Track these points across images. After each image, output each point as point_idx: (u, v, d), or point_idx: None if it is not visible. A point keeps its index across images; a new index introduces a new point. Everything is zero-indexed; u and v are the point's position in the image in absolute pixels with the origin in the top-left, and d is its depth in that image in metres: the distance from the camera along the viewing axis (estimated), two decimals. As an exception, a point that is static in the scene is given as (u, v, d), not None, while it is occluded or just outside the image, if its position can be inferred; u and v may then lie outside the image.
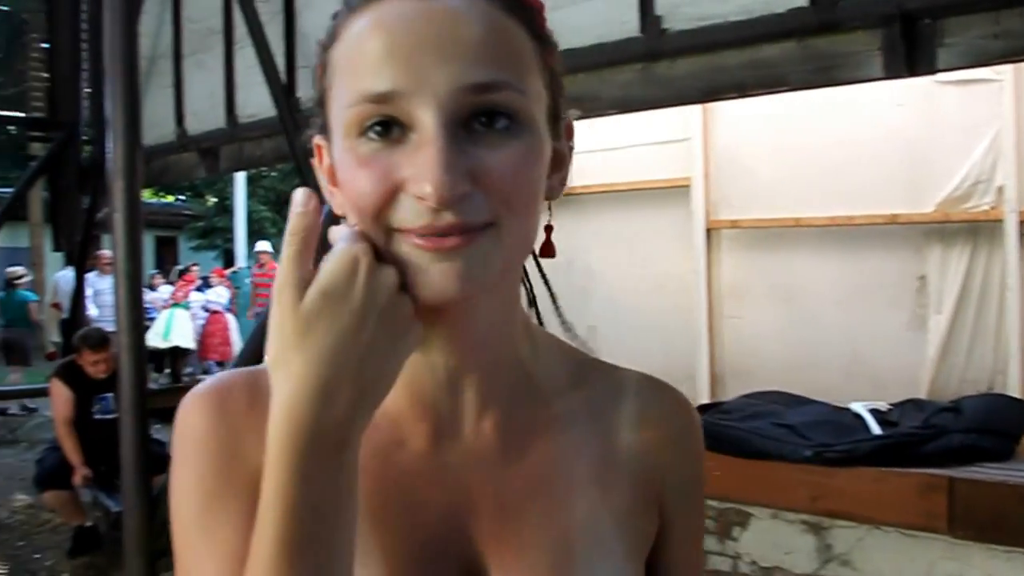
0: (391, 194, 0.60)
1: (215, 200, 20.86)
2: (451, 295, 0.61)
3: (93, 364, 5.10)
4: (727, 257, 5.15)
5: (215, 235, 19.89)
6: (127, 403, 3.09)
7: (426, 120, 0.59)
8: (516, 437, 0.71)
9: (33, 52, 6.75)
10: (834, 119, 4.66)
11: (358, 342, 0.58)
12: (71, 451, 5.05)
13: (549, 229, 0.72)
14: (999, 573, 3.41)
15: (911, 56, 3.36)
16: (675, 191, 5.20)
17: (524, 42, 0.64)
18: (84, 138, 6.65)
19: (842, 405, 4.12)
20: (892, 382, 4.43)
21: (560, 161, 0.70)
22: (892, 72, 3.46)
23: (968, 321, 4.44)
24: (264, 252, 10.82)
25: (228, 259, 16.86)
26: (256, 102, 5.25)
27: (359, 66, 0.61)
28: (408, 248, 0.61)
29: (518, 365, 0.74)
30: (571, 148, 0.73)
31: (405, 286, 0.61)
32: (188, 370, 11.17)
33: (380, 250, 0.61)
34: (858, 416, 3.96)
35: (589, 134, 5.19)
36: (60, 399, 5.16)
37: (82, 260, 6.54)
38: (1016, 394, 4.17)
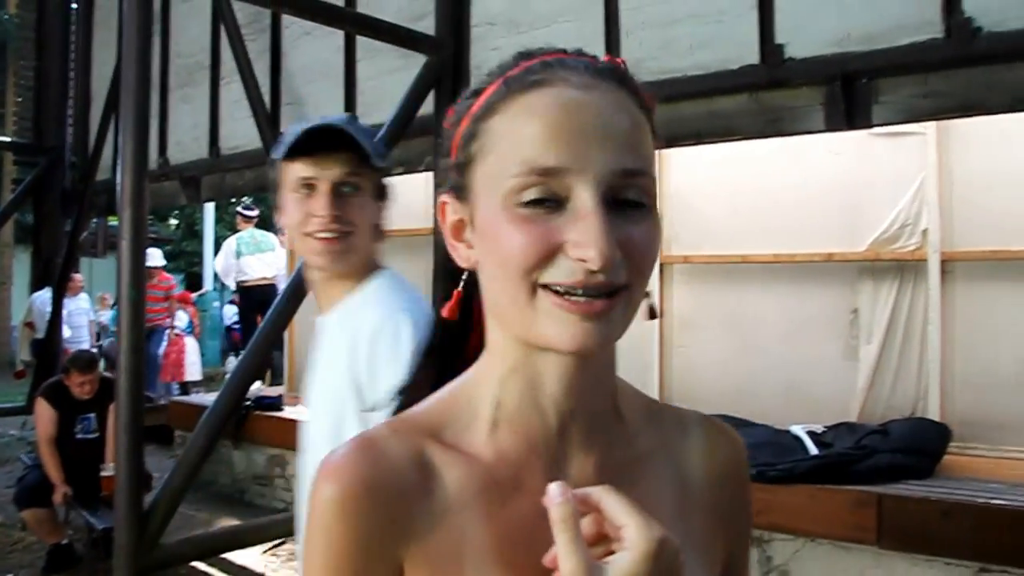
0: (549, 254, 0.66)
1: (176, 223, 20.78)
2: (589, 349, 0.68)
3: (79, 385, 5.21)
4: (679, 290, 5.30)
5: (182, 259, 19.78)
6: (124, 422, 3.17)
7: (585, 195, 0.66)
8: (613, 476, 0.73)
9: (19, 78, 6.83)
10: (778, 165, 4.87)
11: None
12: (53, 469, 5.09)
13: (647, 294, 0.74)
14: (920, 579, 3.67)
15: (850, 111, 3.62)
16: (634, 228, 5.38)
17: (650, 136, 0.73)
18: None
19: (782, 428, 4.30)
20: (826, 407, 4.61)
21: None
22: (833, 125, 3.70)
23: (895, 351, 4.65)
24: (154, 267, 9.96)
25: (194, 283, 16.82)
26: (240, 134, 5.47)
27: (526, 141, 0.67)
28: (550, 306, 0.67)
29: (613, 409, 0.79)
30: None
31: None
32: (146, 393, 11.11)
33: (520, 302, 0.68)
34: (797, 438, 4.15)
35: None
36: (44, 418, 5.23)
37: (62, 282, 6.64)
38: (936, 418, 4.43)
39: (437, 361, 0.86)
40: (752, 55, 3.92)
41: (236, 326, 9.74)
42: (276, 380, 8.35)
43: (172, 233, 20.64)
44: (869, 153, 4.73)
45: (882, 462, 3.93)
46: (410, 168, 4.73)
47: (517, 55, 0.75)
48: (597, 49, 3.46)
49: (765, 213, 4.98)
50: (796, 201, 4.87)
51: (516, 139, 0.68)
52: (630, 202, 0.68)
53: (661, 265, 5.28)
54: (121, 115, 3.24)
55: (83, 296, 10.24)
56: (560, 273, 0.66)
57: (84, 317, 10.07)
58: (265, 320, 3.78)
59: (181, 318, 11.76)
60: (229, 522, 5.63)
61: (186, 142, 5.96)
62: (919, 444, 4.08)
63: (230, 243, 9.02)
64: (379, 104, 4.72)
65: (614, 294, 0.67)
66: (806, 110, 3.82)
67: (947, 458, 4.22)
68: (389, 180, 1.63)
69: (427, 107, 4.34)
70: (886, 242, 4.67)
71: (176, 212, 20.19)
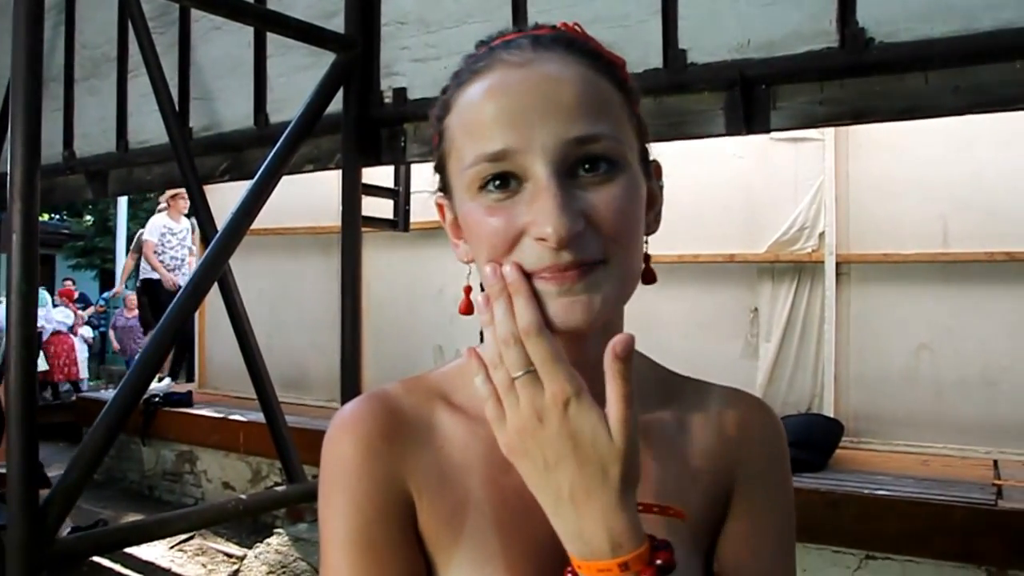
0: (515, 239, 0.66)
1: (91, 219, 20.25)
2: (576, 324, 0.66)
3: None
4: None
5: (94, 255, 19.33)
6: (16, 416, 3.10)
7: (538, 171, 0.65)
8: None
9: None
10: (683, 168, 4.88)
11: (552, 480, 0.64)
12: None
13: (648, 258, 0.75)
14: (810, 567, 3.78)
15: (749, 116, 3.66)
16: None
17: (614, 95, 0.71)
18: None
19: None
20: (728, 403, 4.78)
21: (652, 199, 0.76)
22: (732, 129, 3.74)
23: (792, 349, 4.81)
24: None
25: (107, 279, 16.46)
26: (148, 129, 5.35)
27: (474, 131, 0.68)
28: (536, 284, 0.66)
29: None
30: (660, 187, 0.78)
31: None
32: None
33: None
34: (696, 433, 4.31)
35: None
36: None
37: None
38: (831, 414, 4.59)
39: None
40: (656, 59, 3.98)
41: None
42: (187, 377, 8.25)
43: (86, 229, 20.12)
44: (770, 158, 4.87)
45: (776, 456, 4.05)
46: (320, 166, 4.70)
47: (477, 43, 0.75)
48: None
49: (669, 215, 4.86)
50: (699, 204, 4.97)
51: (466, 131, 0.69)
52: (594, 168, 0.67)
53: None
54: (11, 104, 3.14)
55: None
56: (529, 258, 0.66)
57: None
58: (164, 316, 3.73)
59: (67, 316, 11.43)
60: (136, 519, 5.54)
61: (93, 135, 5.80)
62: (811, 438, 4.21)
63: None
64: (290, 101, 4.67)
65: (591, 269, 0.66)
66: (708, 114, 3.87)
67: (840, 452, 4.37)
68: None
69: (336, 105, 4.32)
70: (785, 244, 4.82)
71: (90, 207, 19.68)
